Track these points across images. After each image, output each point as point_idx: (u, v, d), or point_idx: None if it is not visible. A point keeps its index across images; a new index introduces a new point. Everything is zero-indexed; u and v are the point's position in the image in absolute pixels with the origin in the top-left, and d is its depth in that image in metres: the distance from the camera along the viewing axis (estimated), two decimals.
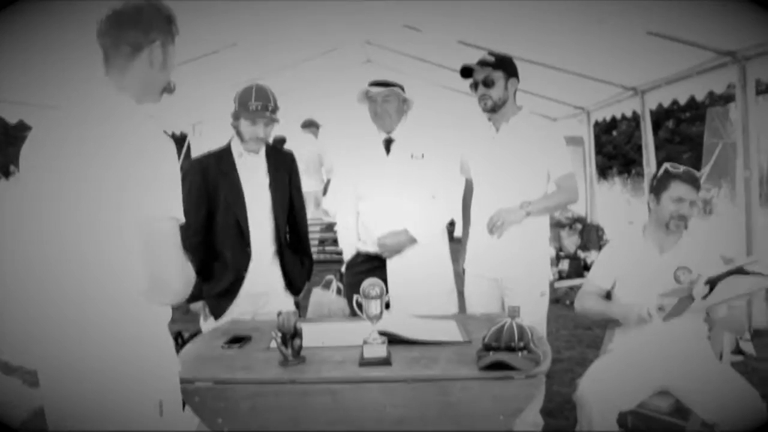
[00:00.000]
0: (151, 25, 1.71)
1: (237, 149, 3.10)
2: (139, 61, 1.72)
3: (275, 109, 3.04)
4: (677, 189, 2.85)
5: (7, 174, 24.96)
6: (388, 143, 3.22)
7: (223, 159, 3.09)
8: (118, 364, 1.61)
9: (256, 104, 2.99)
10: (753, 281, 2.60)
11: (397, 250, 3.16)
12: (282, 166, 3.19)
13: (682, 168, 2.91)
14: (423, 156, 3.17)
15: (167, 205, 1.60)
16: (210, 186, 3.03)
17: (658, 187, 2.93)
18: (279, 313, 2.25)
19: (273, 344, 2.29)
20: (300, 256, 3.25)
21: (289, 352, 2.22)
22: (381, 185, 3.18)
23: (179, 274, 1.64)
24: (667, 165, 2.95)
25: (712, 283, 2.58)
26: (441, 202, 3.23)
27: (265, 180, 3.12)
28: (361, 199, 3.28)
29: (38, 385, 1.69)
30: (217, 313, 3.05)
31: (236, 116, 3.03)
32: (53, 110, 1.76)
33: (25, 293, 1.71)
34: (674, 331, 2.81)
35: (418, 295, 3.04)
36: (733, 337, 4.14)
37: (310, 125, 8.85)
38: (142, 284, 1.62)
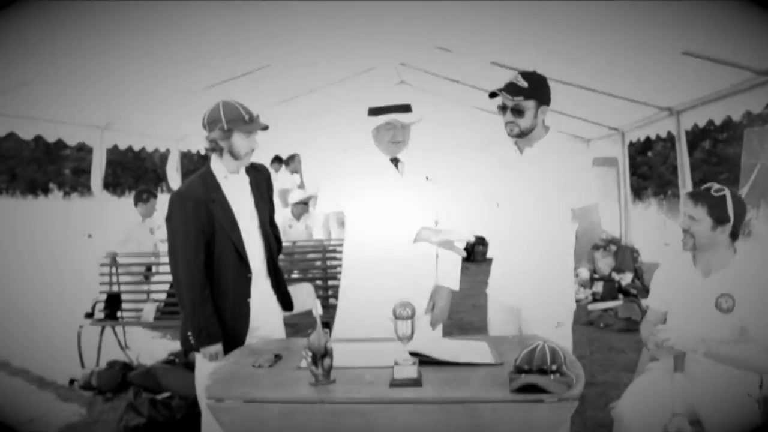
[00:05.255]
0: None
1: (220, 171, 2.90)
2: None
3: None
4: (688, 206, 2.79)
5: (46, 191, 25.62)
6: (395, 162, 3.07)
7: (208, 184, 2.88)
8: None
9: (248, 115, 2.83)
10: None
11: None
12: (262, 182, 3.05)
13: (714, 187, 2.77)
14: (427, 179, 3.03)
15: None
16: (204, 216, 2.80)
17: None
18: (309, 332, 2.25)
19: (303, 363, 2.30)
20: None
21: (319, 371, 2.22)
22: (388, 205, 3.00)
23: None
24: (709, 184, 2.85)
25: None
26: (443, 226, 3.02)
27: (249, 199, 2.97)
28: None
29: None
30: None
31: (226, 135, 2.81)
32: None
33: None
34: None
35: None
36: None
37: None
38: None
